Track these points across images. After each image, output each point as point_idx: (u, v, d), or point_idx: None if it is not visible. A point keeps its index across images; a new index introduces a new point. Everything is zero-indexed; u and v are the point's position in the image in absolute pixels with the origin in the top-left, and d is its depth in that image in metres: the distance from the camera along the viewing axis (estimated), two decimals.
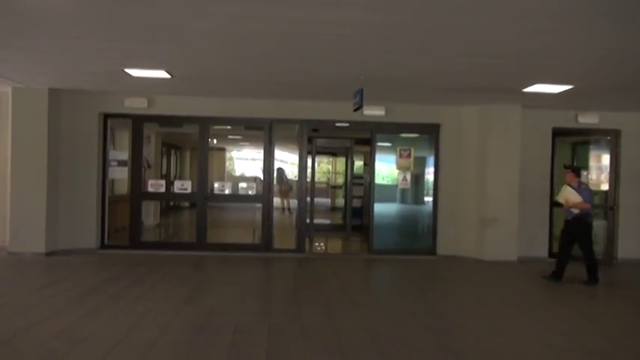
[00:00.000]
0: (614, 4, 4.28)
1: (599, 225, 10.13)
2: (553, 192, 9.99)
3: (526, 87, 7.74)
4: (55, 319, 5.41)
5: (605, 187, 9.93)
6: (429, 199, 10.31)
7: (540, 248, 9.87)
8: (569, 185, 7.88)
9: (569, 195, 7.84)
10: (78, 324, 5.26)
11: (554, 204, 9.99)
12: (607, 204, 9.84)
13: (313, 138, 11.13)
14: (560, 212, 10.21)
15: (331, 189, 15.91)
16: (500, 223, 9.38)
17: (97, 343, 4.76)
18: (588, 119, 9.73)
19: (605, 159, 10.01)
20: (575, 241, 7.95)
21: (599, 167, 10.16)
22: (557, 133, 10.00)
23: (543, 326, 5.73)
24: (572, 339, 5.32)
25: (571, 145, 10.78)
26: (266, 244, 9.81)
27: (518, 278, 8.45)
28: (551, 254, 9.91)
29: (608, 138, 9.93)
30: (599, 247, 10.05)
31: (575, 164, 7.95)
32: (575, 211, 7.81)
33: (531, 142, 9.68)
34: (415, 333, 5.37)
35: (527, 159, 9.61)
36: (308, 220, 10.68)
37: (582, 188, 7.85)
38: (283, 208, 14.62)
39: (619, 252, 9.85)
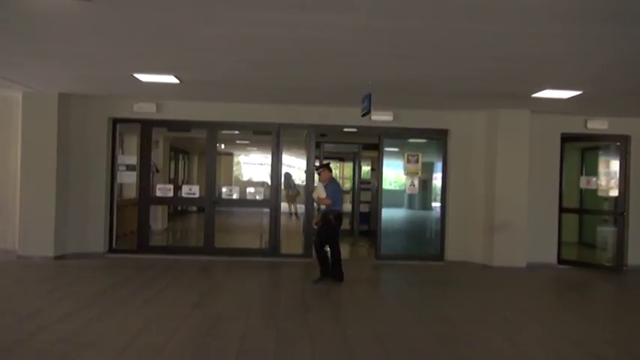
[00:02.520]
0: (625, 9, 4.26)
1: (608, 231, 10.08)
2: (562, 198, 9.95)
3: (535, 92, 7.71)
4: (64, 322, 5.42)
5: (614, 193, 9.85)
6: (436, 204, 10.28)
7: (549, 254, 9.79)
8: (323, 183, 7.95)
9: (318, 192, 7.94)
10: (86, 328, 5.28)
11: (563, 210, 9.95)
12: (617, 210, 9.75)
13: (321, 143, 11.12)
14: (569, 218, 10.21)
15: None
16: (509, 228, 9.33)
17: (105, 347, 4.77)
18: (597, 125, 9.68)
19: (615, 165, 9.93)
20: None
21: (609, 173, 10.08)
22: (566, 139, 9.95)
23: (552, 333, 5.69)
24: (580, 346, 5.27)
25: (580, 151, 10.73)
26: (273, 248, 9.80)
27: (527, 284, 8.40)
28: (560, 260, 9.86)
29: (618, 144, 9.86)
30: (608, 254, 10.01)
31: (328, 163, 8.06)
32: (323, 207, 7.93)
33: (540, 148, 9.63)
34: (424, 339, 5.34)
35: (536, 165, 9.56)
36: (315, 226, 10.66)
37: (329, 185, 7.88)
38: (291, 213, 14.65)
39: (629, 258, 9.75)
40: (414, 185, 10.09)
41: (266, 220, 10.03)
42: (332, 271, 7.91)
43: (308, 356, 4.72)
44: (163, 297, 6.69)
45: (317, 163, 7.96)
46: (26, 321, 5.45)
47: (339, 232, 8.01)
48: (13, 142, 9.20)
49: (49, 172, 8.86)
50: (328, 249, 7.97)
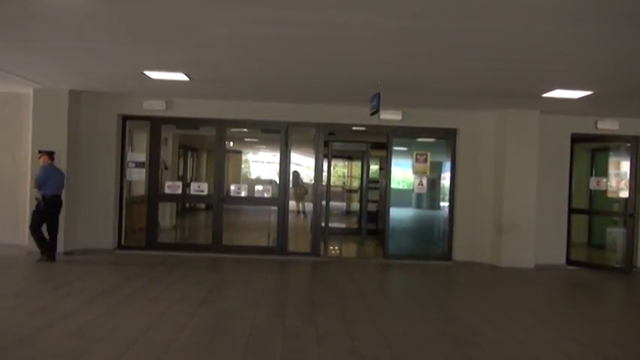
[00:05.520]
0: (635, 9, 4.23)
1: (618, 232, 10.00)
2: (571, 198, 9.90)
3: (546, 92, 7.67)
4: (72, 318, 5.46)
5: (624, 194, 9.78)
6: (444, 204, 10.25)
7: (558, 255, 9.75)
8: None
9: None
10: (94, 323, 5.31)
11: (572, 210, 9.90)
12: (627, 211, 9.67)
13: (329, 141, 11.13)
14: (578, 218, 10.15)
15: (347, 193, 15.90)
16: (517, 229, 9.29)
17: (113, 342, 4.80)
18: (608, 125, 9.61)
19: (625, 166, 9.87)
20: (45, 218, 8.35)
21: (619, 174, 10.01)
22: (576, 139, 9.89)
23: (560, 334, 5.67)
24: (587, 346, 5.24)
25: (590, 152, 10.66)
26: (281, 246, 9.82)
27: (536, 285, 8.37)
28: (569, 261, 9.81)
29: (628, 144, 9.79)
30: (618, 255, 9.93)
31: (51, 151, 8.58)
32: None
33: (550, 148, 9.58)
34: (431, 339, 5.33)
35: (546, 165, 9.51)
36: (323, 224, 10.67)
37: (41, 170, 8.31)
38: (298, 212, 14.64)
39: (639, 260, 9.69)
40: (422, 185, 10.06)
41: (274, 218, 10.05)
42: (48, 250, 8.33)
43: (315, 354, 4.72)
44: (171, 293, 6.72)
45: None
46: (36, 316, 5.49)
47: (45, 213, 8.30)
48: (23, 139, 9.27)
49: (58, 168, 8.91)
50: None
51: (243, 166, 15.89)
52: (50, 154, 8.53)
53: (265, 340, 5.02)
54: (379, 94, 6.97)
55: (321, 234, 10.22)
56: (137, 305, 6.06)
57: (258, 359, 4.56)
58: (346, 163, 16.14)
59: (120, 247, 9.68)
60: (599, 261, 10.32)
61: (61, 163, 8.90)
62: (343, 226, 14.50)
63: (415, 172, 10.08)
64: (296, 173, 13.63)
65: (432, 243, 10.58)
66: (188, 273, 8.03)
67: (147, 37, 5.62)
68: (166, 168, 11.52)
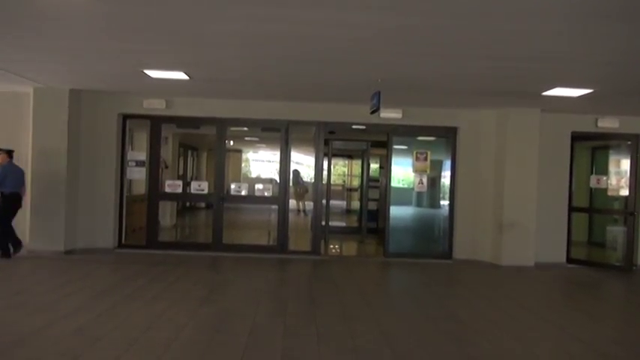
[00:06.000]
0: (636, 7, 4.23)
1: (618, 230, 10.00)
2: (572, 197, 9.90)
3: (546, 90, 7.66)
4: (73, 317, 5.46)
5: (625, 192, 9.77)
6: (445, 202, 10.25)
7: (559, 253, 9.75)
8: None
9: None
10: (95, 322, 5.31)
11: (572, 209, 9.90)
12: (627, 209, 9.67)
13: (329, 140, 11.12)
14: (579, 217, 10.14)
15: (347, 191, 15.91)
16: (517, 227, 9.29)
17: (114, 341, 4.80)
18: (608, 123, 9.61)
19: (625, 164, 9.86)
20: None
21: (619, 172, 10.01)
22: (577, 138, 9.89)
23: (560, 332, 5.67)
24: (587, 344, 5.25)
25: (590, 150, 10.65)
26: (281, 245, 9.83)
27: (536, 284, 8.37)
28: (569, 260, 9.81)
29: (629, 143, 9.78)
30: (618, 254, 9.94)
31: (10, 150, 8.73)
32: None
33: (550, 147, 9.58)
34: (431, 337, 5.34)
35: (546, 163, 9.51)
36: (323, 223, 10.67)
37: (1, 168, 8.49)
38: (299, 210, 14.64)
39: (639, 258, 9.69)
40: (422, 183, 10.06)
41: (274, 217, 10.06)
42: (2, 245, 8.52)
43: (315, 353, 4.73)
44: (172, 292, 6.73)
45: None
46: (36, 315, 5.49)
47: (8, 210, 8.50)
48: (24, 138, 9.27)
49: (59, 167, 8.93)
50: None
51: (243, 165, 15.89)
52: (9, 153, 8.70)
53: (266, 339, 5.03)
54: (379, 93, 6.96)
55: (321, 232, 10.23)
56: (137, 304, 6.07)
57: (259, 358, 4.56)
58: (346, 162, 16.14)
59: (120, 246, 9.69)
60: (599, 259, 10.31)
61: (61, 162, 8.94)
62: (343, 224, 14.51)
63: (415, 171, 10.07)
64: (296, 172, 13.64)
65: (433, 241, 10.58)
66: (188, 272, 8.03)
67: (146, 36, 5.61)
68: (167, 167, 11.52)
